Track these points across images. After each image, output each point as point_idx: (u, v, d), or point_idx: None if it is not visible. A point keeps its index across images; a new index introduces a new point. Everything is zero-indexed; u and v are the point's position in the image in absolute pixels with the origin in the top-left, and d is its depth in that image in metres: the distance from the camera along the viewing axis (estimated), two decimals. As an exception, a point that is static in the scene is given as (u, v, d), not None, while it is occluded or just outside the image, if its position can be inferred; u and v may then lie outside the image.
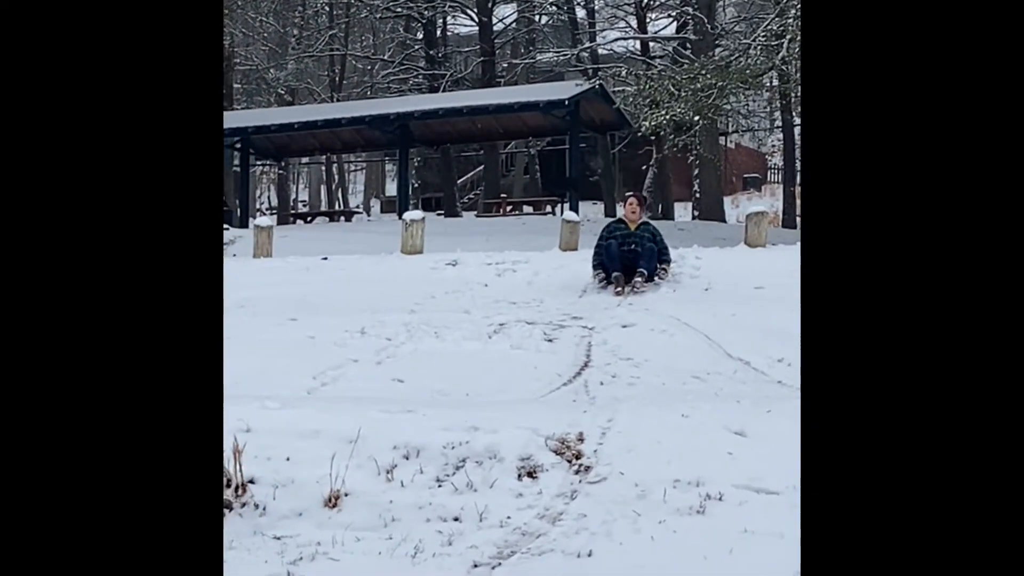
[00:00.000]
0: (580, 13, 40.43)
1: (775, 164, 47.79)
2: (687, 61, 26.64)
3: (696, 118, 22.90)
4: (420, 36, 40.81)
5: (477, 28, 38.69)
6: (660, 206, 33.78)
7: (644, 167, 36.75)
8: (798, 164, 38.00)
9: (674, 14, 35.38)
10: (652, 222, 14.06)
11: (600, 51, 38.48)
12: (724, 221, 30.11)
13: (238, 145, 33.60)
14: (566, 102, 28.77)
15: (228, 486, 5.11)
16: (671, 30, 36.61)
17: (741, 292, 12.02)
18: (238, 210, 33.43)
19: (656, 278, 12.81)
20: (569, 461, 5.57)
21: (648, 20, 37.22)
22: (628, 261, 12.69)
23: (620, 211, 34.91)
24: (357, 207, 48.37)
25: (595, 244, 13.25)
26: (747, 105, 39.72)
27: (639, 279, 12.42)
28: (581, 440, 5.78)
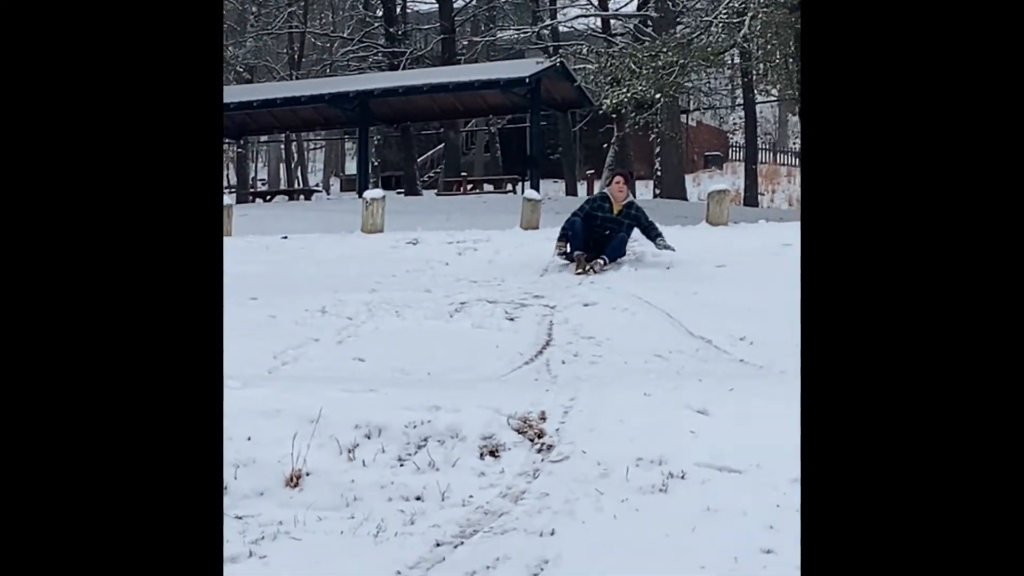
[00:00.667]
0: (540, -10, 40.41)
1: (737, 142, 47.85)
2: (648, 39, 26.62)
3: (657, 96, 22.90)
4: (379, 13, 40.63)
5: (437, 5, 38.55)
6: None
7: (605, 145, 36.71)
8: (759, 142, 38.17)
9: (635, -9, 35.39)
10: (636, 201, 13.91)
11: (561, 28, 38.43)
12: (686, 199, 30.17)
13: (197, 123, 33.32)
14: (527, 80, 28.71)
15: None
16: (632, 7, 36.64)
17: (703, 270, 12.05)
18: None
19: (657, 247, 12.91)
20: (531, 440, 5.57)
21: (609, -3, 37.24)
22: (595, 244, 12.69)
23: (582, 190, 34.97)
24: (317, 185, 48.20)
25: (571, 215, 13.22)
26: (708, 83, 39.81)
27: (600, 262, 12.42)
28: (543, 419, 5.78)
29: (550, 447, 5.49)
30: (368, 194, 17.18)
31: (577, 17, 37.72)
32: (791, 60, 27.15)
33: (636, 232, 13.19)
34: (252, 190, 42.91)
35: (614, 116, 28.48)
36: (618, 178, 13.54)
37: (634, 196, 13.79)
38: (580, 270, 12.29)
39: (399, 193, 34.89)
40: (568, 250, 12.78)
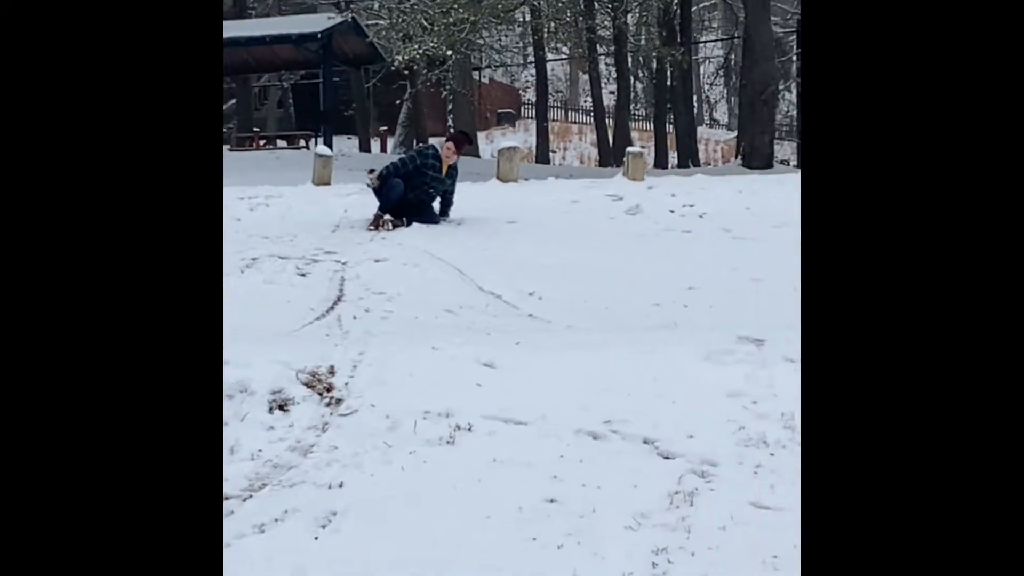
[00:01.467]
0: (333, -56, 39.98)
1: (529, 100, 48.16)
2: (440, -5, 26.62)
3: (449, 52, 22.99)
4: (168, -36, 39.75)
5: (228, -43, 37.91)
6: (415, 141, 33.79)
7: (398, 102, 36.59)
8: (551, 100, 38.44)
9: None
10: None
11: (354, -17, 38.15)
12: (478, 156, 30.29)
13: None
14: (319, 35, 28.48)
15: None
16: (424, -37, 36.48)
17: (493, 226, 12.16)
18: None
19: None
20: (320, 394, 5.59)
21: (401, -47, 37.02)
22: (416, 203, 12.67)
23: (375, 146, 34.79)
24: (105, 140, 47.06)
25: (400, 159, 13.16)
26: (500, 40, 39.93)
27: (395, 223, 12.44)
28: (332, 373, 5.81)
29: (339, 401, 5.52)
30: (157, 149, 16.84)
31: (370, -28, 37.48)
32: (580, 18, 27.47)
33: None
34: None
35: (407, 72, 28.45)
36: (450, 143, 13.18)
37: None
38: (373, 227, 12.29)
39: (190, 148, 34.24)
40: (378, 185, 12.68)
